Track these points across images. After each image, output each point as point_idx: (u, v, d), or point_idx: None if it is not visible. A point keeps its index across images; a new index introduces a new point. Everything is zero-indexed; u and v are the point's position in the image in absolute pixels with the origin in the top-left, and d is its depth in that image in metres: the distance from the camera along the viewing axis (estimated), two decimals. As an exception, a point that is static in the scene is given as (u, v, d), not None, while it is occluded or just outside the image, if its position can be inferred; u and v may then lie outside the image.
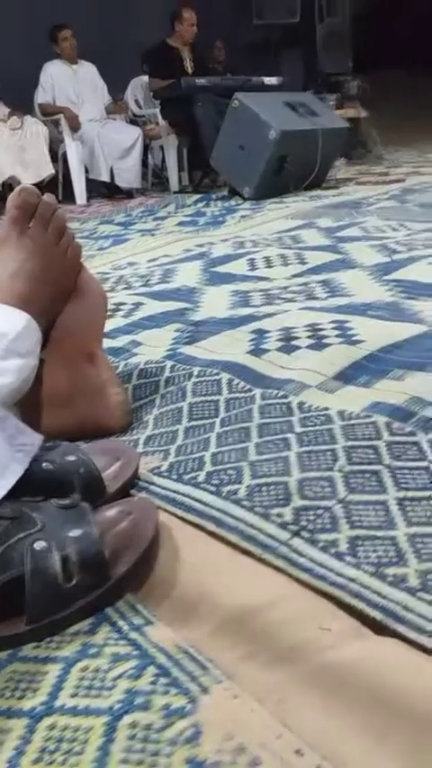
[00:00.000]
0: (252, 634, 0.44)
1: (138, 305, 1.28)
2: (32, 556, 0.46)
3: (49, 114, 3.95)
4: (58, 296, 0.73)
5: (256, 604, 0.47)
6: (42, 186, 3.79)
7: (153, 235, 2.32)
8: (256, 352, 0.90)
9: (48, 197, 0.74)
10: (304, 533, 0.52)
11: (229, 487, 0.58)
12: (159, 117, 4.08)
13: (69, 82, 4.09)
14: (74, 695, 0.41)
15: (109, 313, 1.21)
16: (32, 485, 0.53)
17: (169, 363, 0.89)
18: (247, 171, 3.08)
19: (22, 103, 3.89)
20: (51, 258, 0.72)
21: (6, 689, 0.42)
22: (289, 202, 2.77)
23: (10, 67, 3.78)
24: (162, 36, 4.20)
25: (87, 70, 4.18)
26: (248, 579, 0.49)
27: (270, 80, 3.92)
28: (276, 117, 3.05)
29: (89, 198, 3.96)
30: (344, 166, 3.86)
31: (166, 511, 0.57)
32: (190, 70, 4.23)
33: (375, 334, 0.92)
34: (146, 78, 4.31)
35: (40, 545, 0.47)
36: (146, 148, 4.22)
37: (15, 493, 0.50)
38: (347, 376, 0.79)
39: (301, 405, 0.73)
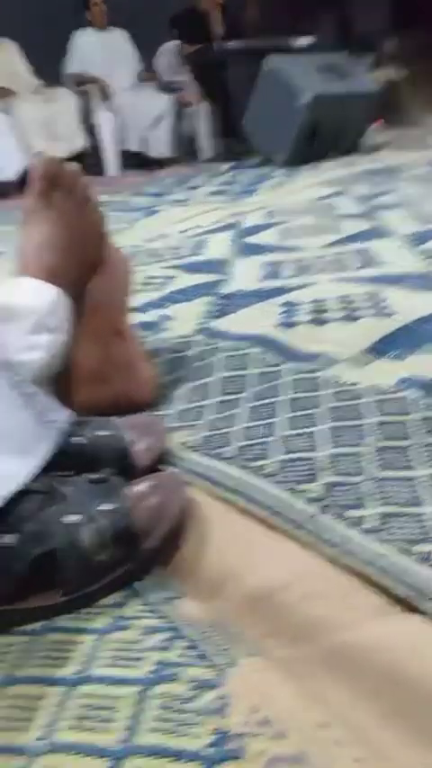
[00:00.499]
0: (278, 609, 0.45)
1: (169, 278, 1.27)
2: (65, 529, 0.47)
3: (80, 84, 3.92)
4: (85, 267, 0.72)
5: (283, 580, 0.47)
6: (73, 158, 3.79)
7: (185, 205, 2.29)
8: (287, 325, 0.90)
9: (70, 166, 0.73)
10: (333, 509, 0.52)
11: (258, 462, 0.59)
12: (191, 83, 4.00)
13: (99, 50, 4.04)
14: (106, 665, 0.42)
15: (140, 287, 1.21)
16: (64, 459, 0.54)
17: (199, 338, 0.89)
18: (279, 137, 3.01)
19: (52, 74, 3.87)
20: (77, 228, 0.71)
21: (43, 657, 0.44)
22: (323, 169, 2.70)
23: (39, 38, 3.75)
24: (192, -1, 4.11)
25: (118, 37, 4.12)
26: (276, 555, 0.50)
27: (303, 41, 3.80)
28: (309, 81, 2.96)
29: (121, 169, 3.93)
30: (380, 131, 3.74)
31: (194, 486, 0.58)
32: (221, 33, 4.11)
33: (409, 305, 0.90)
34: (176, 43, 4.22)
35: (71, 519, 0.48)
36: (178, 116, 4.16)
37: (47, 468, 0.51)
38: (379, 350, 0.78)
39: (331, 379, 0.72)
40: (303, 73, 3.01)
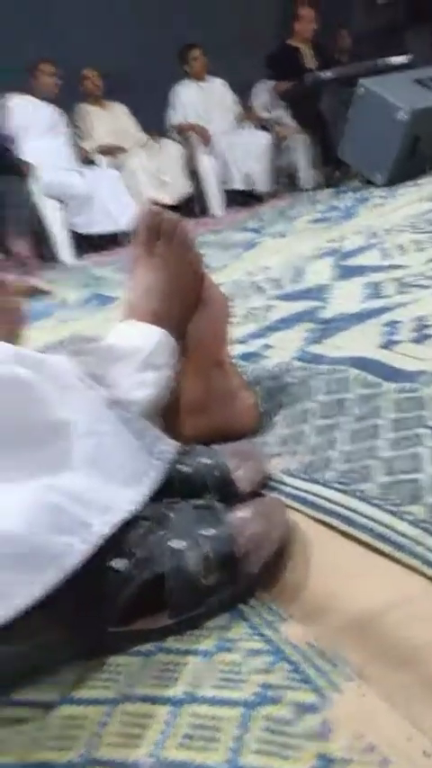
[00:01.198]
0: (381, 633, 0.44)
1: (269, 308, 1.29)
2: (172, 554, 0.49)
3: (182, 133, 4.12)
4: (187, 307, 0.76)
5: (387, 603, 0.46)
6: (180, 205, 3.97)
7: (284, 236, 2.32)
8: (388, 344, 0.88)
9: (170, 214, 0.77)
10: (438, 531, 0.50)
11: (359, 485, 0.58)
12: (287, 118, 4.08)
13: (199, 99, 4.24)
14: (212, 686, 0.44)
15: (242, 319, 1.25)
16: (171, 487, 0.57)
17: (297, 364, 0.89)
18: (378, 157, 2.98)
19: (157, 127, 4.11)
20: (178, 272, 0.75)
21: (153, 677, 0.46)
22: (424, 184, 2.63)
23: (143, 93, 4.00)
24: (284, 38, 4.22)
25: (216, 86, 4.31)
26: (379, 578, 0.49)
27: (397, 60, 3.76)
28: (406, 96, 2.92)
29: (225, 208, 4.06)
30: None
31: (296, 510, 0.58)
32: (313, 66, 4.19)
33: None
34: (271, 83, 4.34)
35: (178, 544, 0.50)
36: (276, 150, 4.24)
37: (155, 495, 0.54)
38: None
39: (435, 397, 0.70)
40: (399, 89, 2.98)
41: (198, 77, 4.25)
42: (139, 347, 0.68)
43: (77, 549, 0.47)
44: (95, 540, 0.48)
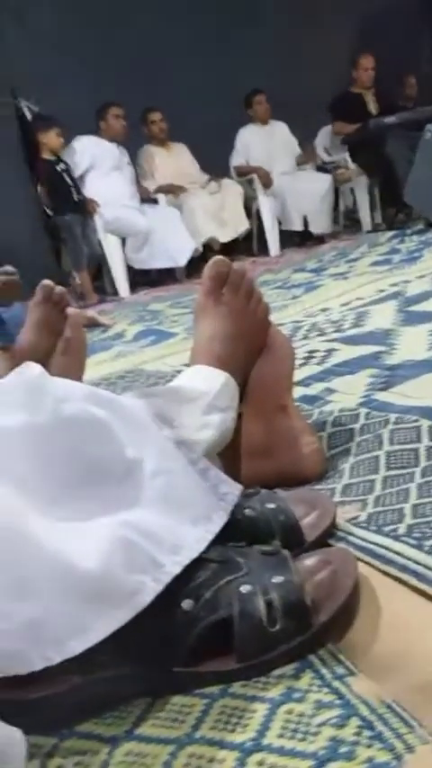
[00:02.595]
0: (459, 696, 0.43)
1: (331, 351, 1.30)
2: (240, 599, 0.50)
3: (244, 174, 4.23)
4: (251, 353, 0.78)
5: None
6: (238, 241, 4.04)
7: (346, 278, 2.33)
8: (458, 396, 0.87)
9: (237, 265, 0.80)
10: None
11: (429, 541, 0.57)
12: (349, 161, 4.14)
13: (262, 142, 4.36)
14: (280, 735, 0.43)
15: (302, 361, 1.25)
16: (236, 530, 0.57)
17: (364, 411, 0.89)
18: (443, 201, 2.98)
19: (218, 168, 4.23)
20: (243, 320, 0.77)
21: (218, 721, 0.46)
22: None
23: (206, 135, 4.13)
24: (346, 82, 4.33)
25: (279, 129, 4.42)
26: (454, 637, 0.48)
27: (464, 106, 3.78)
28: (472, 142, 2.92)
29: (282, 248, 4.11)
30: None
31: (364, 562, 0.58)
32: (374, 112, 4.27)
33: None
34: (333, 126, 4.44)
35: (246, 588, 0.51)
36: (336, 192, 4.29)
37: (221, 538, 0.55)
38: None
39: None
40: (465, 134, 2.99)
41: (262, 121, 4.37)
42: (204, 391, 0.70)
43: (149, 587, 0.48)
44: (166, 580, 0.49)
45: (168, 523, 0.52)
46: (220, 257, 0.80)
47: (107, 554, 0.47)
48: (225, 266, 0.78)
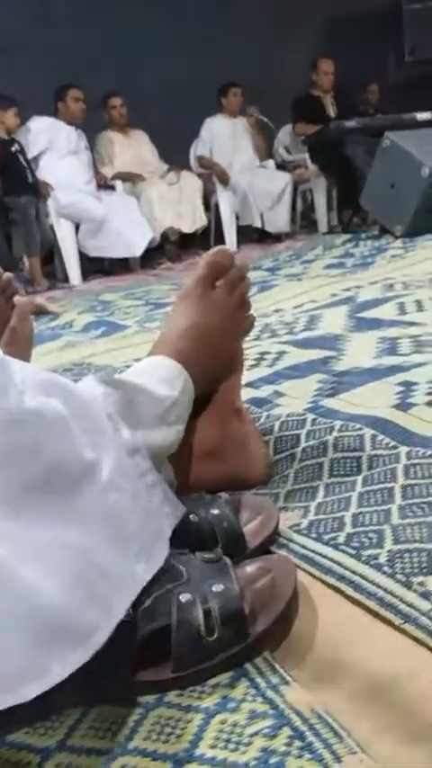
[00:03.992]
0: (389, 706, 0.44)
1: (282, 353, 1.31)
2: (178, 607, 0.50)
3: (205, 167, 4.21)
4: (223, 362, 0.74)
5: (395, 675, 0.46)
6: (196, 234, 4.03)
7: (300, 279, 2.36)
8: (403, 406, 0.89)
9: (241, 263, 0.74)
10: (447, 605, 0.50)
11: (369, 551, 0.58)
12: (308, 161, 4.18)
13: (228, 135, 4.35)
14: (213, 746, 0.43)
15: (254, 362, 1.26)
16: (179, 536, 0.57)
17: (310, 416, 0.90)
18: (398, 209, 3.05)
19: (178, 158, 4.19)
20: (227, 324, 0.72)
21: (152, 732, 0.45)
22: (442, 239, 2.68)
23: (170, 125, 4.10)
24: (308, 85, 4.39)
25: (245, 124, 4.41)
26: (387, 647, 0.49)
27: (423, 115, 3.87)
28: (429, 153, 3.00)
29: (239, 243, 4.12)
30: None
31: (304, 570, 0.58)
32: (333, 115, 4.33)
33: None
34: (294, 125, 4.47)
35: (185, 597, 0.50)
36: (295, 192, 4.33)
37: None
38: None
39: (448, 465, 0.71)
40: (424, 145, 3.07)
41: (231, 114, 4.36)
42: (164, 396, 0.65)
43: (104, 628, 0.45)
44: (119, 617, 0.46)
45: (117, 557, 0.49)
46: (224, 247, 0.74)
47: (67, 585, 0.44)
48: (227, 259, 0.72)
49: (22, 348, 0.99)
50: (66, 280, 3.65)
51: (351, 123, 3.86)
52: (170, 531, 0.56)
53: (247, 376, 1.16)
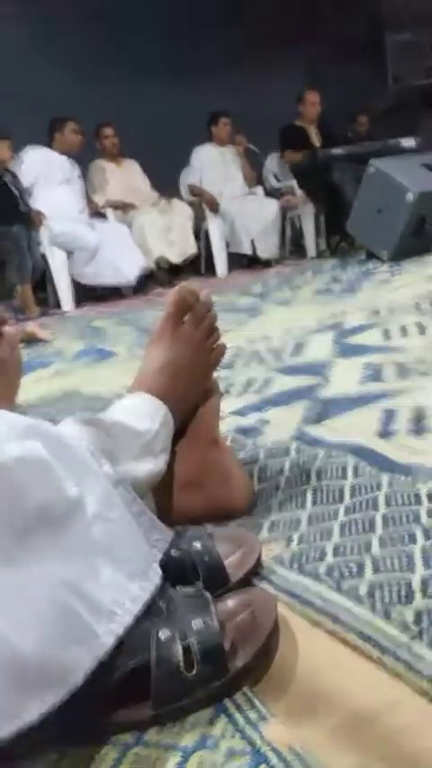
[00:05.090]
0: (369, 740, 0.44)
1: (268, 380, 1.32)
2: (157, 644, 0.49)
3: (195, 194, 4.27)
4: (196, 393, 0.77)
5: (375, 708, 0.46)
6: (186, 263, 4.06)
7: (288, 305, 2.38)
8: (385, 433, 0.90)
9: (204, 296, 0.78)
10: (425, 636, 0.50)
11: (349, 582, 0.58)
12: (296, 188, 4.24)
13: (217, 163, 4.41)
14: (191, 787, 0.43)
15: (241, 389, 1.27)
16: (162, 570, 0.57)
17: (295, 444, 0.90)
18: (384, 234, 3.09)
19: (168, 187, 4.25)
20: (199, 356, 0.76)
21: (132, 773, 0.45)
22: (429, 262, 2.72)
23: (158, 154, 4.15)
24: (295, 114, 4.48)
25: (234, 152, 4.49)
26: (367, 680, 0.49)
27: (407, 142, 3.94)
28: (413, 179, 3.06)
29: (230, 269, 4.16)
30: None
31: (285, 603, 0.58)
32: (317, 144, 4.42)
33: None
34: (282, 153, 4.55)
35: (164, 634, 0.50)
36: (283, 218, 4.38)
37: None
38: None
39: (430, 494, 0.71)
40: (408, 171, 3.13)
41: (220, 142, 4.43)
42: (145, 429, 0.68)
43: (84, 662, 0.45)
44: (100, 653, 0.47)
45: (106, 580, 0.50)
46: (186, 284, 0.78)
47: (45, 625, 0.44)
48: (192, 295, 0.76)
49: (11, 378, 0.99)
50: (58, 306, 3.66)
51: (338, 151, 3.94)
52: (161, 555, 0.56)
53: (234, 403, 1.18)
